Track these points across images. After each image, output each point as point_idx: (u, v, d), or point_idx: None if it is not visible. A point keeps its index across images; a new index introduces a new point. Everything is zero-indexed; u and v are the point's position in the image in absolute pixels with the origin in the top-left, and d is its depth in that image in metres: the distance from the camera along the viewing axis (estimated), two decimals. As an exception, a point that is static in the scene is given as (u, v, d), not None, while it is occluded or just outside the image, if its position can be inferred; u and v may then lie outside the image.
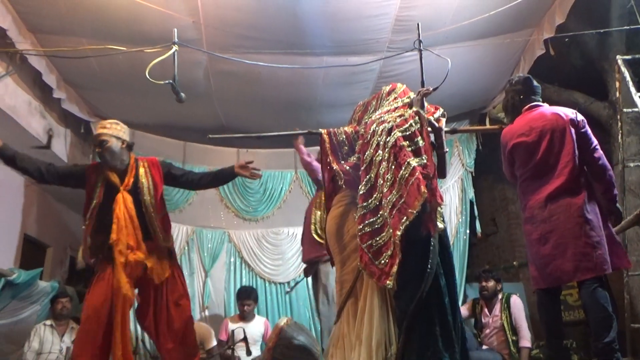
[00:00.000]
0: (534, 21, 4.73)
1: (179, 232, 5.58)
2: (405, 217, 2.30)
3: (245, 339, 3.93)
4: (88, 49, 4.10)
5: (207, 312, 5.40)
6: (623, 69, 3.98)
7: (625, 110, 4.17)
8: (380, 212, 2.43)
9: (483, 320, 4.54)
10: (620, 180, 4.27)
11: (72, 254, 7.06)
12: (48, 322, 4.54)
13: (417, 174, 2.35)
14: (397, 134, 2.50)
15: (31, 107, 4.90)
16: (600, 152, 2.83)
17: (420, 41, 2.98)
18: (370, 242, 2.42)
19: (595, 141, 2.88)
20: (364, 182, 2.53)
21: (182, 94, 3.22)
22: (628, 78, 3.92)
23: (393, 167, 2.44)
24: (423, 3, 4.16)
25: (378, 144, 2.54)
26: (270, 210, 5.85)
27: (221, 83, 5.03)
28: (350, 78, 4.96)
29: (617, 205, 2.87)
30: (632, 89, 3.83)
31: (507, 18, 4.42)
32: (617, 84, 4.09)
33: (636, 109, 3.84)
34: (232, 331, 3.88)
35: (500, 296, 4.49)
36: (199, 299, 5.43)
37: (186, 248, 5.57)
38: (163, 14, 4.01)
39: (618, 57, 4.06)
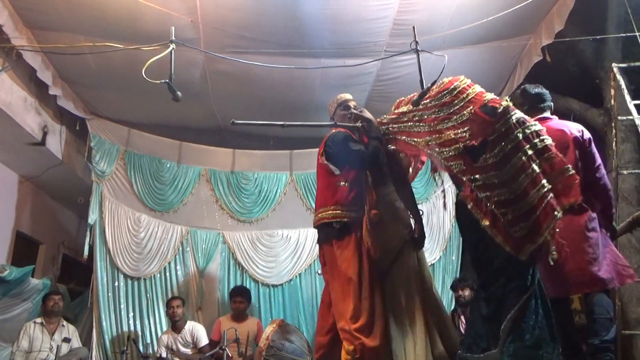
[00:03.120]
0: (532, 27, 4.75)
1: (173, 232, 5.57)
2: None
3: (237, 340, 3.91)
4: (85, 46, 4.08)
5: (200, 312, 5.37)
6: (618, 77, 4.00)
7: (619, 117, 4.19)
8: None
9: (461, 328, 4.54)
10: (614, 187, 4.28)
11: (65, 251, 7.04)
12: (38, 320, 4.52)
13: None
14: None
15: (26, 104, 4.88)
16: (603, 171, 2.86)
17: (417, 42, 2.96)
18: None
19: (599, 160, 2.89)
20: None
21: (179, 93, 3.20)
22: (623, 86, 3.94)
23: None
24: (421, 7, 4.17)
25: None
26: (265, 212, 5.82)
27: (218, 83, 5.03)
28: (347, 81, 4.97)
29: (613, 223, 2.97)
30: (627, 97, 3.85)
31: (505, 24, 4.45)
32: (613, 91, 4.12)
33: (630, 117, 3.85)
34: (225, 331, 3.87)
35: None
36: (192, 298, 5.41)
37: (180, 248, 5.54)
38: (161, 13, 4.01)
39: (614, 65, 4.09)
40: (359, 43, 4.48)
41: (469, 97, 2.67)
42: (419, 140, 2.78)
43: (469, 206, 2.54)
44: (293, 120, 5.62)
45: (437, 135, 2.68)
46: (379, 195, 3.02)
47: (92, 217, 5.31)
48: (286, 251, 5.71)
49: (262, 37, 4.38)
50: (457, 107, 2.68)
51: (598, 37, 5.00)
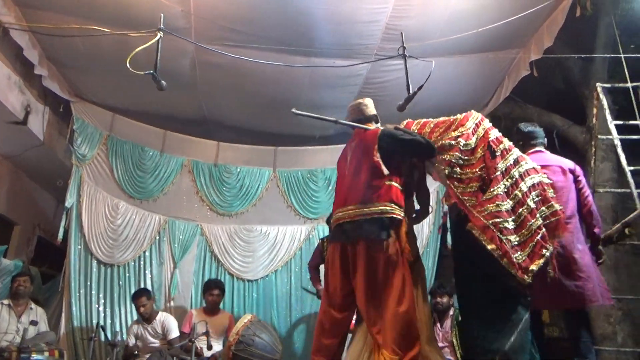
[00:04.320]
0: (522, 42, 4.80)
1: (151, 220, 5.52)
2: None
3: (207, 333, 3.88)
4: (73, 28, 4.02)
5: (172, 303, 5.33)
6: (602, 96, 4.06)
7: (600, 137, 4.26)
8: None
9: (436, 333, 4.58)
10: (590, 205, 4.35)
11: (40, 233, 6.93)
12: (6, 301, 4.44)
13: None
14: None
15: (10, 81, 4.79)
16: (591, 200, 3.22)
17: (404, 48, 2.99)
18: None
19: (588, 190, 3.26)
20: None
21: (163, 83, 3.17)
22: (605, 106, 4.00)
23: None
24: (414, 14, 4.19)
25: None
26: (245, 207, 5.80)
27: (207, 74, 4.99)
28: (336, 81, 4.97)
29: (599, 247, 3.24)
30: (609, 117, 3.91)
31: (496, 36, 4.49)
32: (595, 110, 4.18)
33: (611, 137, 3.92)
34: (195, 324, 3.84)
35: (451, 312, 4.52)
36: (165, 289, 5.37)
37: (157, 238, 5.49)
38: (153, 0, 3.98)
39: (598, 84, 4.15)
40: (350, 44, 4.49)
41: (481, 135, 2.98)
42: (442, 168, 2.94)
43: (477, 234, 2.75)
44: (278, 117, 5.65)
45: (457, 169, 2.90)
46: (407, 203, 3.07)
47: (70, 200, 5.24)
48: (264, 247, 5.69)
49: (253, 32, 4.37)
50: (476, 142, 2.95)
51: (583, 55, 5.07)
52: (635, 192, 3.51)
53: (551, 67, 5.64)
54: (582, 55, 5.00)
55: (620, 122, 3.93)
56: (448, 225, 5.94)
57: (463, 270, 3.12)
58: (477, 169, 2.91)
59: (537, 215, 2.82)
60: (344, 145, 6.04)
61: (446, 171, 2.94)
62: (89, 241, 5.19)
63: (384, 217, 2.80)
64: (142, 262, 5.37)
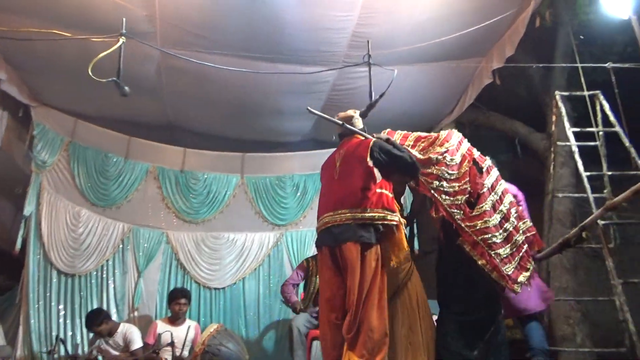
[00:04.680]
0: (484, 50, 4.91)
1: (115, 229, 5.37)
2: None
3: (172, 344, 3.81)
4: (31, 32, 3.89)
5: (136, 313, 5.19)
6: (560, 104, 4.20)
7: (559, 143, 4.39)
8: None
9: None
10: (549, 210, 4.50)
11: (-1, 243, 6.66)
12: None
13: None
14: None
15: (-35, 85, 4.62)
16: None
17: (369, 56, 3.05)
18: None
19: (527, 215, 3.56)
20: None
21: (127, 88, 3.11)
22: (564, 113, 4.14)
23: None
24: (380, 22, 4.24)
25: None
26: (212, 214, 5.72)
27: (173, 79, 4.93)
28: (303, 87, 4.98)
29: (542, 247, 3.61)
30: (567, 124, 4.04)
31: (459, 45, 4.59)
32: (554, 118, 4.31)
33: (569, 143, 4.05)
34: (160, 335, 3.76)
35: None
36: (129, 299, 5.23)
37: (121, 246, 5.34)
38: (117, 2, 3.90)
39: (557, 93, 4.29)
40: (316, 51, 4.50)
41: (465, 151, 3.26)
42: (430, 181, 3.16)
43: (467, 249, 3.00)
44: (244, 122, 5.62)
45: (444, 183, 3.13)
46: None
47: (29, 208, 5.06)
48: (231, 254, 5.62)
49: (220, 38, 4.34)
50: (460, 158, 3.21)
51: (542, 65, 5.24)
52: (591, 197, 3.64)
53: (514, 75, 5.78)
54: (541, 65, 5.16)
55: (578, 130, 4.07)
56: (415, 231, 6.00)
57: (445, 276, 3.34)
58: (463, 182, 3.14)
59: (520, 231, 3.15)
60: (312, 152, 6.16)
61: (434, 184, 3.14)
62: (48, 251, 5.01)
63: (376, 223, 2.91)
64: (104, 272, 5.22)
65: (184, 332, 4.58)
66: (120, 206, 5.49)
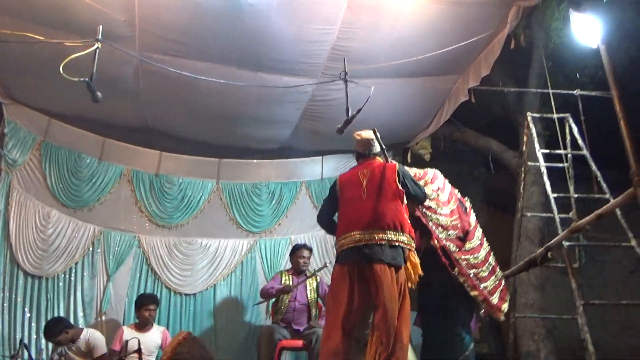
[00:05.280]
0: (461, 69, 5.00)
1: (85, 231, 5.26)
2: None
3: (139, 350, 3.76)
4: (4, 34, 3.82)
5: (104, 318, 5.10)
6: (531, 125, 4.31)
7: (529, 163, 4.50)
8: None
9: None
10: (518, 227, 4.61)
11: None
12: None
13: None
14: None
15: None
16: None
17: (346, 73, 3.11)
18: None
19: None
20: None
21: (99, 93, 3.09)
22: (535, 134, 4.25)
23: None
24: (360, 37, 4.29)
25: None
26: (186, 219, 5.65)
27: (150, 83, 4.87)
28: (283, 97, 4.99)
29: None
30: (537, 146, 4.15)
31: (437, 62, 4.65)
32: (525, 138, 4.42)
33: (538, 164, 4.16)
34: (126, 341, 3.71)
35: None
36: (97, 303, 5.12)
37: (90, 249, 5.23)
38: (95, 3, 3.86)
39: (528, 114, 4.40)
40: (296, 62, 4.53)
41: (449, 190, 3.60)
42: (429, 213, 3.46)
43: (462, 280, 3.32)
44: (223, 129, 5.61)
45: (440, 217, 3.44)
46: None
47: (-3, 208, 4.94)
48: (203, 260, 5.56)
49: (199, 44, 4.32)
50: (447, 196, 3.54)
51: (512, 89, 5.38)
52: (557, 217, 3.75)
53: (489, 94, 5.92)
54: (512, 89, 5.30)
55: (547, 151, 4.18)
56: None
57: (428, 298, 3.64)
58: (453, 218, 3.48)
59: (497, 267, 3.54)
60: (289, 160, 6.17)
61: (432, 217, 3.46)
62: (15, 251, 4.87)
63: (405, 247, 3.15)
64: (73, 275, 5.10)
65: (152, 339, 4.54)
66: (92, 208, 5.38)
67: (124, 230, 5.45)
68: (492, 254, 3.56)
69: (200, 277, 5.51)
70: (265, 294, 4.95)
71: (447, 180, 3.69)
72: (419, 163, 6.16)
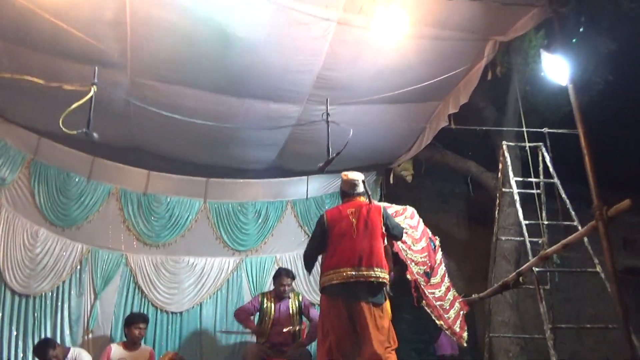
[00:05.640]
0: (441, 96, 5.22)
1: (73, 249, 5.33)
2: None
3: (126, 371, 3.86)
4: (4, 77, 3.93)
5: (91, 336, 5.16)
6: (507, 154, 4.53)
7: (504, 190, 4.72)
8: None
9: None
10: (493, 250, 4.82)
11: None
12: None
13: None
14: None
15: None
16: None
17: (328, 114, 3.29)
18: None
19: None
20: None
21: (95, 135, 3.25)
22: (509, 163, 4.46)
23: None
24: (344, 67, 4.48)
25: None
26: (173, 237, 5.75)
27: (140, 107, 4.99)
28: (269, 122, 5.14)
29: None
30: (511, 174, 4.37)
31: (418, 91, 4.85)
32: (501, 166, 4.63)
33: (512, 190, 4.37)
34: (114, 362, 3.80)
35: None
36: (84, 322, 5.18)
37: (78, 267, 5.29)
38: (88, 33, 4.00)
39: (504, 143, 4.62)
40: (283, 90, 4.70)
41: (422, 228, 4.10)
42: (405, 248, 3.91)
43: (429, 311, 3.73)
44: (211, 151, 5.75)
45: (412, 253, 3.87)
46: None
47: (-15, 226, 4.99)
48: (190, 278, 5.67)
49: (189, 72, 4.48)
50: (420, 234, 3.98)
51: (485, 128, 5.62)
52: (528, 243, 3.95)
53: (469, 117, 6.14)
54: (484, 128, 5.56)
55: (520, 179, 4.39)
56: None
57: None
58: (424, 255, 3.90)
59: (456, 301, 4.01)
60: (275, 180, 6.31)
61: (407, 252, 3.87)
62: (3, 270, 4.90)
63: (386, 283, 3.48)
64: (60, 293, 5.15)
65: (139, 358, 4.63)
66: (80, 227, 5.45)
67: (112, 249, 5.53)
68: (451, 289, 4.01)
69: (186, 295, 5.61)
70: (240, 319, 5.12)
71: (421, 219, 4.12)
72: (401, 183, 6.38)
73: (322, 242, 3.65)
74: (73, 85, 3.36)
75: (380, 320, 3.35)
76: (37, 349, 4.41)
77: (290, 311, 5.06)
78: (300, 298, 5.23)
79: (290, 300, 5.11)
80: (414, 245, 3.83)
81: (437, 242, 4.08)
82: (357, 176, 3.79)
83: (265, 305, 5.03)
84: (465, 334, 3.83)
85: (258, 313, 5.12)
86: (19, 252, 5.07)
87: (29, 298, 5.02)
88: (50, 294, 5.14)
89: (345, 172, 3.85)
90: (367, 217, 3.55)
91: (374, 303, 3.38)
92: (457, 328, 3.76)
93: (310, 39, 4.06)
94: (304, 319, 5.14)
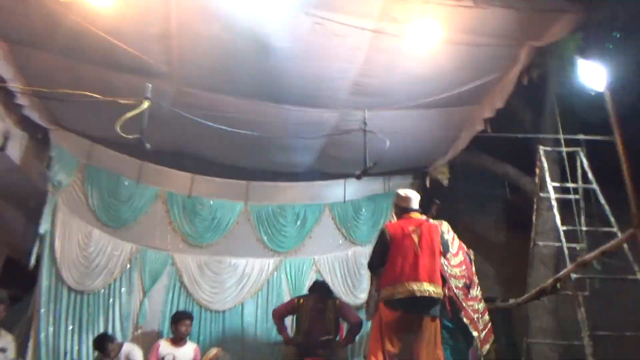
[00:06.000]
0: (477, 100, 5.22)
1: (123, 249, 5.64)
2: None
3: (174, 365, 4.07)
4: (63, 93, 4.23)
5: (139, 332, 5.44)
6: (543, 159, 4.50)
7: (541, 195, 4.69)
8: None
9: None
10: (531, 257, 4.79)
11: (9, 253, 6.92)
12: (-25, 329, 4.50)
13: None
14: None
15: (-11, 110, 4.92)
16: None
17: (365, 123, 3.38)
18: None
19: None
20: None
21: (148, 145, 3.50)
22: (546, 167, 4.44)
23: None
24: (381, 74, 4.58)
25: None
26: (216, 239, 5.98)
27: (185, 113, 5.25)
28: (308, 127, 5.29)
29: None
30: (548, 179, 4.35)
31: (453, 95, 4.90)
32: (538, 171, 4.61)
33: (549, 196, 4.35)
34: (163, 358, 4.01)
35: None
36: (134, 318, 5.49)
37: (128, 266, 5.61)
38: (137, 46, 4.26)
39: (540, 147, 4.58)
40: (319, 97, 4.85)
41: (458, 243, 4.13)
42: (447, 264, 4.00)
43: (467, 322, 3.86)
44: (249, 154, 5.96)
45: (452, 268, 4.01)
46: None
47: (44, 226, 5.31)
48: (232, 279, 5.86)
49: (230, 81, 4.69)
50: (457, 248, 4.06)
51: (520, 135, 5.57)
52: (565, 249, 3.94)
53: (506, 121, 6.09)
54: (519, 135, 5.52)
55: (558, 184, 4.37)
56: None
57: None
58: (462, 269, 3.98)
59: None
60: (313, 182, 6.44)
61: (447, 268, 3.93)
62: (60, 268, 5.27)
63: (441, 298, 3.74)
64: (112, 291, 5.48)
65: (186, 354, 4.86)
66: (130, 227, 5.76)
67: (159, 249, 5.82)
68: (482, 300, 4.11)
69: (229, 294, 5.82)
70: (274, 320, 5.27)
71: (456, 235, 4.22)
72: (437, 187, 6.40)
73: (385, 254, 3.82)
74: (127, 99, 3.58)
75: (437, 336, 3.63)
76: (98, 342, 4.75)
77: (326, 316, 5.05)
78: (337, 302, 5.25)
79: (328, 304, 5.09)
80: (452, 259, 3.92)
81: (472, 256, 4.14)
82: (413, 195, 4.02)
83: (300, 307, 5.10)
84: (487, 346, 3.91)
85: (294, 316, 5.21)
86: (74, 251, 5.42)
87: (83, 295, 5.36)
88: (102, 290, 5.46)
89: (402, 190, 4.13)
90: (428, 235, 3.78)
91: (433, 317, 3.64)
92: (483, 337, 3.92)
93: (346, 47, 4.18)
94: (342, 320, 5.21)
